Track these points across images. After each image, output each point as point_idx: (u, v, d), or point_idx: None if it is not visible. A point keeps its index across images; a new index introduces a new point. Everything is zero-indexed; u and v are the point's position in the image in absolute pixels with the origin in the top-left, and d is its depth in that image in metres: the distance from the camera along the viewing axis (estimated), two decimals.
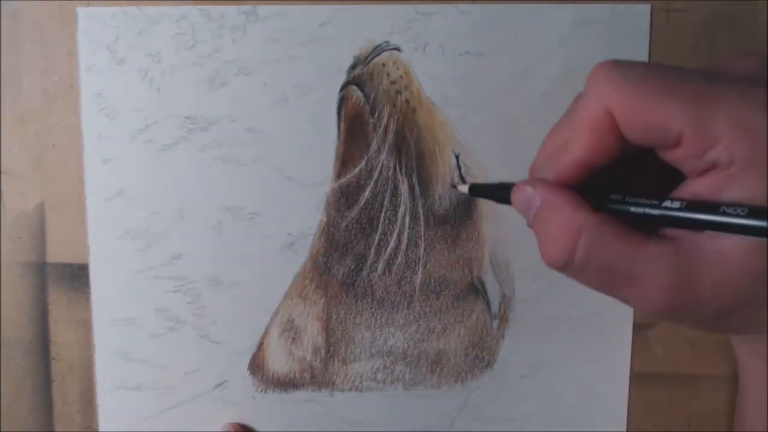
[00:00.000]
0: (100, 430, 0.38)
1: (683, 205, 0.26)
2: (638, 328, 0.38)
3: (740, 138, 0.24)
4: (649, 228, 0.27)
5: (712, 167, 0.25)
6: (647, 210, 0.27)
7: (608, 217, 0.27)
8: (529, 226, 0.29)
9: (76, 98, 0.36)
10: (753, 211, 0.24)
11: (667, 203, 0.26)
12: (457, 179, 0.37)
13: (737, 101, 0.24)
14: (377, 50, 0.36)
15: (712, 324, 0.27)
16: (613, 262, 0.26)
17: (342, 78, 0.36)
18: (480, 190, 0.36)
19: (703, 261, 0.25)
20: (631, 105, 0.25)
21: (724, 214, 0.25)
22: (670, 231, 0.26)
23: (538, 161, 0.31)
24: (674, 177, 0.27)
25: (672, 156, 0.26)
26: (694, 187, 0.26)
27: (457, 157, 0.37)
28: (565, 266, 0.27)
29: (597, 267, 0.27)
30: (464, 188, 0.36)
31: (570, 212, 0.27)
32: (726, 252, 0.25)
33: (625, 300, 0.27)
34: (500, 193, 0.33)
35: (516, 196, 0.30)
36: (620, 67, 0.26)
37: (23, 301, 0.38)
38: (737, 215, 0.24)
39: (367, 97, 0.36)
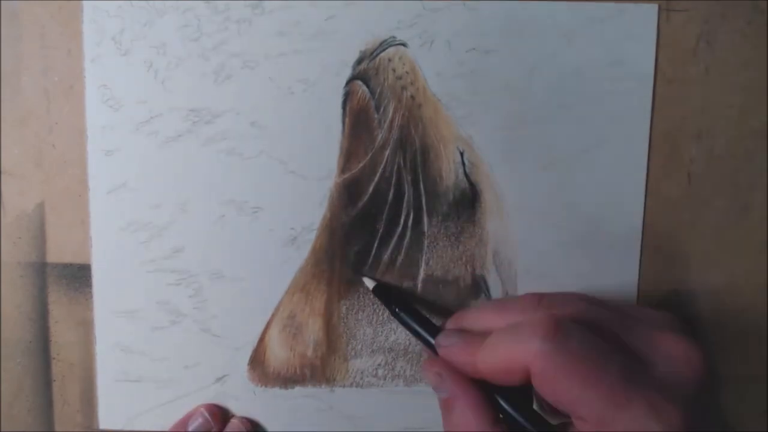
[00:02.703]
0: (100, 422, 0.38)
1: None
2: None
3: None
4: None
5: None
6: (515, 422, 0.29)
7: None
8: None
9: (76, 98, 0.36)
10: None
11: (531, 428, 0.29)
12: (462, 176, 0.37)
13: (642, 414, 0.26)
14: (383, 45, 0.36)
15: None
16: None
17: (348, 73, 0.36)
18: (381, 294, 0.36)
19: None
20: (548, 380, 0.27)
21: None
22: None
23: (466, 321, 0.33)
24: None
25: (573, 419, 0.28)
26: None
27: (461, 154, 0.37)
28: None
29: None
30: (369, 283, 0.37)
31: (473, 422, 0.29)
32: None
33: None
34: (402, 318, 0.35)
35: (428, 373, 0.32)
36: (557, 336, 0.27)
37: (23, 301, 0.38)
38: None
39: (372, 92, 0.36)
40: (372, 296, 0.37)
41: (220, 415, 0.37)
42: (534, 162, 0.36)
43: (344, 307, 0.38)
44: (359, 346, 0.38)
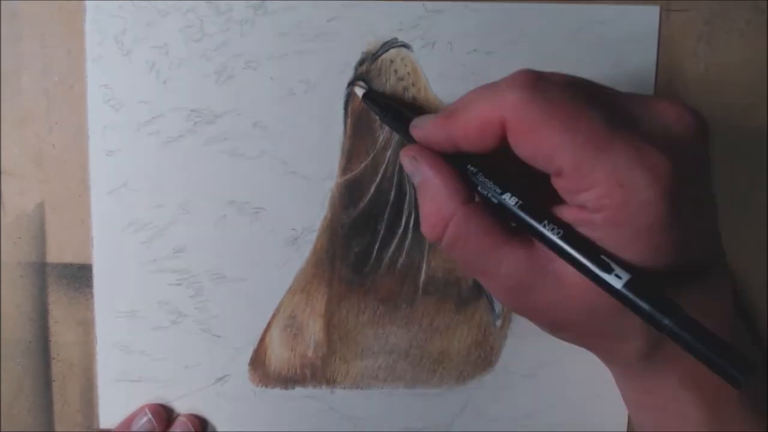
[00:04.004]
0: (100, 422, 0.38)
1: (519, 205, 0.27)
2: None
3: (613, 194, 0.24)
4: (515, 227, 0.28)
5: (581, 205, 0.25)
6: (490, 195, 0.28)
7: (475, 210, 0.28)
8: None
9: (76, 98, 0.36)
10: (597, 262, 0.25)
11: (506, 197, 0.27)
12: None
13: (624, 157, 0.24)
14: (385, 47, 0.36)
15: (551, 332, 0.29)
16: (472, 254, 0.28)
17: (350, 74, 0.36)
18: (374, 103, 0.35)
19: (545, 277, 0.27)
20: (525, 130, 0.25)
21: (575, 248, 0.25)
22: (529, 235, 0.27)
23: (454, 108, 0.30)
24: None
25: (552, 179, 0.26)
26: (564, 213, 0.26)
27: None
28: (436, 243, 0.29)
29: (459, 254, 0.29)
30: (360, 91, 0.35)
31: (443, 199, 0.28)
32: (565, 278, 0.26)
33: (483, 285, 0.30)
34: (391, 119, 0.34)
35: (404, 158, 0.31)
36: (536, 86, 0.26)
37: (23, 301, 0.37)
38: (586, 257, 0.25)
39: None
40: (373, 298, 0.37)
41: (164, 415, 0.37)
42: None
43: (345, 308, 0.38)
44: (360, 348, 0.38)
